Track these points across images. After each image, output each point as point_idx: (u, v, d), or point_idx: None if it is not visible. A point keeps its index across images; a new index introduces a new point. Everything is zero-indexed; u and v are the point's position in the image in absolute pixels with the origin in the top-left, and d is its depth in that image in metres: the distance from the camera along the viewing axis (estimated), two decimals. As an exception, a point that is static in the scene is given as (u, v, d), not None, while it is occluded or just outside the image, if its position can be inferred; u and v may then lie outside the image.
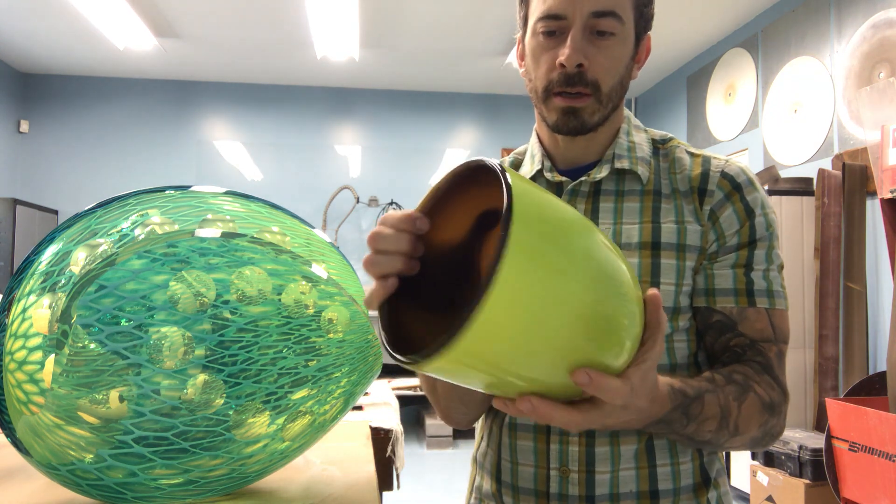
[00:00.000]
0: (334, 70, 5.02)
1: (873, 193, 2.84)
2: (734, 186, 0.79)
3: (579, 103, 0.77)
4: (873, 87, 2.79)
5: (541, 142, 0.88)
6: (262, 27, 4.19)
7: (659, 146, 0.85)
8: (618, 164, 0.81)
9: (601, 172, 0.81)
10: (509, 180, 0.44)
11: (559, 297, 0.45)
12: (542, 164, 0.85)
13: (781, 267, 0.81)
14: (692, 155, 0.83)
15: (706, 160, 0.81)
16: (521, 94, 5.61)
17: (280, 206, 0.73)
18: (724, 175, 0.79)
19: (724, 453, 0.86)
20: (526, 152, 0.92)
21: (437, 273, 0.56)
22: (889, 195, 2.38)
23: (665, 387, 0.64)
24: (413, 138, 5.53)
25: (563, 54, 0.75)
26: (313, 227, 0.75)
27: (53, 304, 0.58)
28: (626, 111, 0.87)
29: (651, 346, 0.54)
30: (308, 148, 5.41)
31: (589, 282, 0.47)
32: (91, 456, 0.59)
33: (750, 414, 0.72)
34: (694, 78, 4.60)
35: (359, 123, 5.49)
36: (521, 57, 0.86)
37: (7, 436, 0.60)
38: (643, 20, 0.81)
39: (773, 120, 3.71)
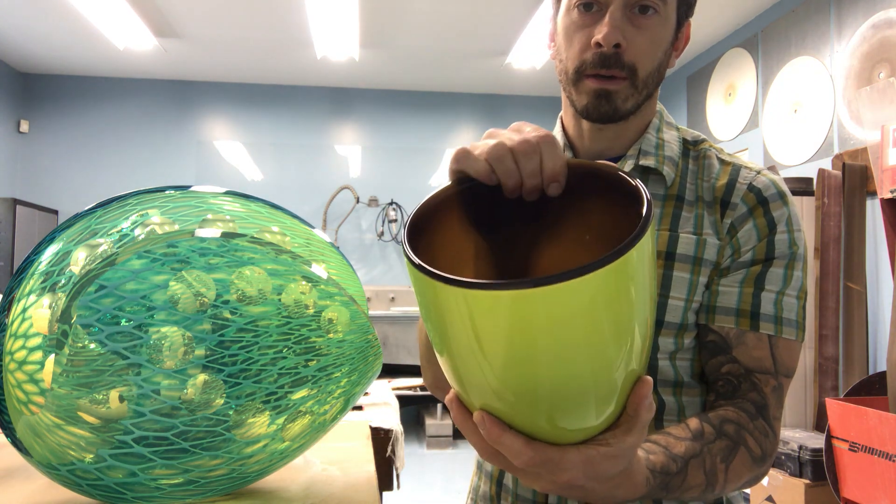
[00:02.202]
0: (334, 70, 5.02)
1: (873, 193, 2.84)
2: (760, 200, 0.72)
3: (613, 86, 0.71)
4: (873, 87, 2.79)
5: (564, 130, 0.82)
6: (262, 27, 4.19)
7: (690, 147, 0.79)
8: (643, 162, 0.76)
9: (624, 168, 0.75)
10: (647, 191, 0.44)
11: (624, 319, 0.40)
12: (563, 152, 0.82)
13: (804, 294, 0.73)
14: (723, 162, 0.77)
15: (735, 170, 0.75)
16: (522, 94, 5.62)
17: (280, 206, 0.73)
18: (751, 188, 0.73)
19: None
20: None
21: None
22: (889, 195, 2.38)
23: (642, 474, 0.55)
24: (413, 138, 5.53)
25: (601, 32, 0.69)
26: (313, 227, 0.75)
27: (53, 304, 0.58)
28: (659, 105, 0.81)
29: (622, 435, 0.46)
30: (308, 148, 5.41)
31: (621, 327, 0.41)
32: (91, 456, 0.59)
33: (738, 473, 0.65)
34: (694, 78, 4.60)
35: (359, 123, 5.49)
36: (552, 38, 0.80)
37: (7, 436, 0.60)
38: (685, 3, 0.75)
39: (773, 120, 3.71)
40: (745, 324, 0.70)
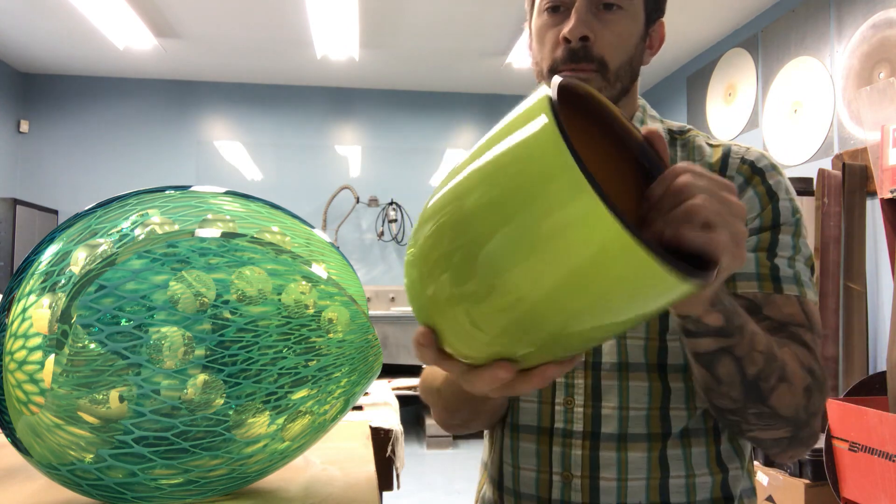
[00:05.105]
0: (334, 70, 5.02)
1: (873, 193, 2.84)
2: (754, 171, 0.75)
3: (583, 76, 0.73)
4: (873, 87, 2.79)
5: None
6: (262, 27, 4.19)
7: (677, 136, 0.82)
8: None
9: None
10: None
11: None
12: None
13: (810, 261, 0.74)
14: (712, 146, 0.80)
15: (727, 148, 0.78)
16: (522, 95, 5.59)
17: (280, 206, 0.73)
18: (744, 161, 0.76)
19: (752, 469, 0.80)
20: None
21: None
22: (889, 195, 2.38)
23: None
24: (413, 138, 5.53)
25: (567, 27, 0.72)
26: (313, 227, 0.75)
27: (53, 304, 0.58)
28: (641, 100, 0.83)
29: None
30: (308, 148, 5.41)
31: None
32: (91, 456, 0.59)
33: (789, 360, 0.62)
34: (694, 78, 4.60)
35: (359, 123, 5.49)
36: (530, 46, 0.82)
37: (7, 436, 0.60)
38: (654, 1, 0.77)
39: (773, 120, 3.71)
40: (769, 287, 0.70)
